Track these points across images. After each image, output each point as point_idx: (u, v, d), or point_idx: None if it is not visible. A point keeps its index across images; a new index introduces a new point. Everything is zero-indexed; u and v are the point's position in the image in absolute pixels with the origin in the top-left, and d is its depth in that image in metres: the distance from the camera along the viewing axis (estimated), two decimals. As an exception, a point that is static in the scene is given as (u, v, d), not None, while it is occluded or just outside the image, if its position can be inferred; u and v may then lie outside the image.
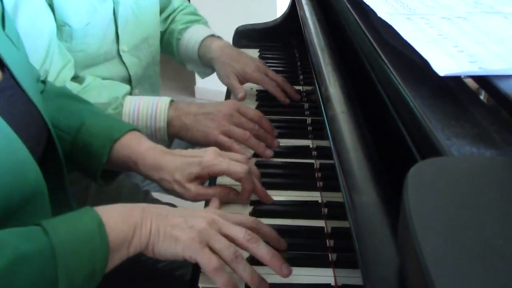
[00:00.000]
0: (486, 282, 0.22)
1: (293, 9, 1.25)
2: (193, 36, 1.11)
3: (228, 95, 1.05)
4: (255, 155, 0.81)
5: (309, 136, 0.87)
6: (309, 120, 0.93)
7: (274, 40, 1.32)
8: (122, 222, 0.52)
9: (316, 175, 0.76)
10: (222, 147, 0.76)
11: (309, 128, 0.90)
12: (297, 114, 0.96)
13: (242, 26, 1.33)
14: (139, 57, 1.05)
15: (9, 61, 0.59)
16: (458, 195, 0.28)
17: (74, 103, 0.76)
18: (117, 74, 1.00)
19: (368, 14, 0.61)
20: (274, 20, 1.33)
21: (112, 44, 0.98)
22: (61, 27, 0.88)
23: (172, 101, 0.84)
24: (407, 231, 0.25)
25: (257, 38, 1.32)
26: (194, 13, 1.21)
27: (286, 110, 0.97)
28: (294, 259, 0.59)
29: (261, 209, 0.68)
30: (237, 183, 0.68)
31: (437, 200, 0.27)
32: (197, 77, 2.57)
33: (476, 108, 0.39)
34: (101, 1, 0.93)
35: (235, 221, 0.57)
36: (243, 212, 0.68)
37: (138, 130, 0.73)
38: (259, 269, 0.55)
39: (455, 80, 0.42)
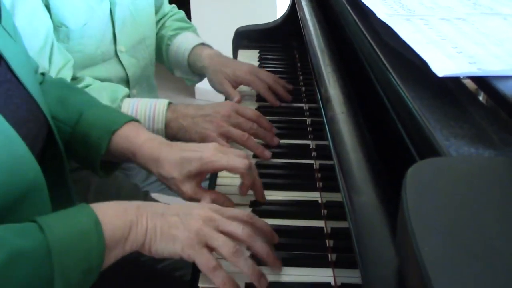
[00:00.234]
0: (484, 282, 0.22)
1: (293, 10, 1.26)
2: (183, 43, 1.11)
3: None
4: (254, 156, 0.81)
5: (309, 137, 0.88)
6: (309, 120, 0.93)
7: (274, 41, 1.32)
8: (117, 220, 0.51)
9: (316, 176, 0.76)
10: None
11: (309, 128, 0.91)
12: (297, 115, 0.96)
13: (242, 27, 1.33)
14: (137, 57, 1.05)
15: (6, 54, 0.58)
16: (456, 195, 0.28)
17: (73, 94, 0.75)
18: (115, 75, 1.01)
19: (367, 15, 0.61)
20: (274, 21, 1.34)
21: (110, 44, 0.98)
22: (58, 28, 0.88)
23: (170, 103, 0.84)
24: (405, 231, 0.26)
25: (257, 39, 1.32)
26: (184, 20, 1.21)
27: (286, 110, 0.98)
28: (294, 259, 0.59)
29: (260, 209, 0.68)
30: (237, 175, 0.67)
31: (436, 200, 0.27)
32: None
33: (475, 108, 0.39)
34: (98, 1, 0.93)
35: (231, 215, 0.56)
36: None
37: (138, 121, 0.72)
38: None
39: (454, 81, 0.43)
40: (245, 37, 1.32)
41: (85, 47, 0.93)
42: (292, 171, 0.79)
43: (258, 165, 0.77)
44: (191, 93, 2.86)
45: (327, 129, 0.55)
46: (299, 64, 1.20)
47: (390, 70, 0.46)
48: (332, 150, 0.51)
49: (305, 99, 1.01)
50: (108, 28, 0.97)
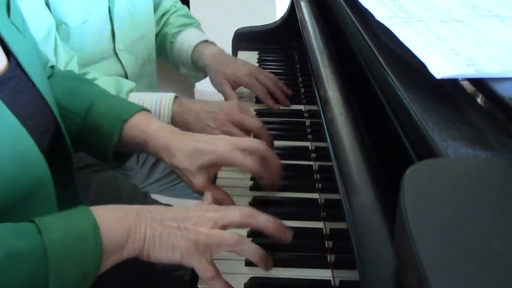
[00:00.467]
0: (482, 283, 0.22)
1: (292, 11, 1.26)
2: (186, 41, 1.11)
3: (228, 96, 1.06)
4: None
5: (308, 138, 0.88)
6: (308, 122, 0.94)
7: (274, 42, 1.32)
8: (116, 225, 0.51)
9: (315, 177, 0.76)
10: None
11: (308, 130, 0.91)
12: (296, 116, 0.96)
13: (242, 28, 1.33)
14: (135, 55, 1.06)
15: (15, 48, 0.58)
16: (454, 196, 0.28)
17: (83, 85, 0.75)
18: (114, 72, 1.01)
19: (366, 17, 0.61)
20: (274, 22, 1.34)
21: (109, 42, 0.99)
22: (59, 26, 0.89)
23: (176, 97, 0.84)
24: (403, 232, 0.26)
25: (256, 40, 1.32)
26: (187, 16, 1.20)
27: (285, 112, 0.98)
28: (293, 260, 0.60)
29: (260, 210, 0.68)
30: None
31: (434, 201, 0.27)
32: (196, 79, 2.57)
33: (473, 110, 0.39)
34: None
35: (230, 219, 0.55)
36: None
37: (148, 110, 0.72)
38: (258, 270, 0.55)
39: (452, 83, 0.43)
40: (244, 39, 1.32)
41: (85, 45, 0.94)
42: (291, 172, 0.79)
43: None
44: (191, 95, 2.86)
45: (326, 130, 0.55)
46: (298, 66, 1.20)
47: (389, 72, 0.47)
48: (331, 152, 0.51)
49: (304, 101, 1.01)
50: (106, 26, 0.98)
